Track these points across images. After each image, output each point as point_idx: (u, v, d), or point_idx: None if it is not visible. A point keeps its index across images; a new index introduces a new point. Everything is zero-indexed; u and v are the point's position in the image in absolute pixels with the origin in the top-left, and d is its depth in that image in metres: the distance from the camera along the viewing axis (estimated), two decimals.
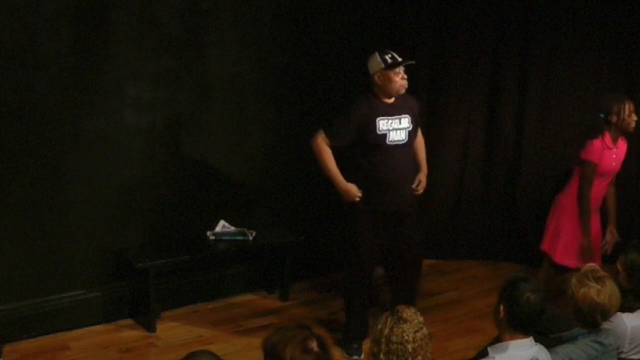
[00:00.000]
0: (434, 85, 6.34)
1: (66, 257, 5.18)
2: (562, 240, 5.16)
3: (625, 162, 6.38)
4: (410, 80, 6.15)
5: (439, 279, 6.02)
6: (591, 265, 3.53)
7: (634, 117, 4.95)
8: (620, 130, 4.98)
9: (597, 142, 4.95)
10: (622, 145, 5.10)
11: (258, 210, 5.86)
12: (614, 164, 5.06)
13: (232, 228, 5.63)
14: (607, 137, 4.96)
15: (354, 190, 4.81)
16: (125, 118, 5.21)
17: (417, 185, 5.08)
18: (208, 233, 5.57)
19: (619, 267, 3.85)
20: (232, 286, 5.80)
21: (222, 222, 5.64)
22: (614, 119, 4.92)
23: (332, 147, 4.84)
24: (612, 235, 5.29)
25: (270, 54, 5.67)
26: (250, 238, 5.58)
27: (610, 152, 5.00)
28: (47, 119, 4.94)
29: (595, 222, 5.22)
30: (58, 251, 5.14)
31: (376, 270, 5.27)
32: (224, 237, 5.57)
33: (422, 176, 5.15)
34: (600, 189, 5.12)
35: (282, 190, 5.93)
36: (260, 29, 5.59)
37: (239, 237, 5.58)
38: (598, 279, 3.41)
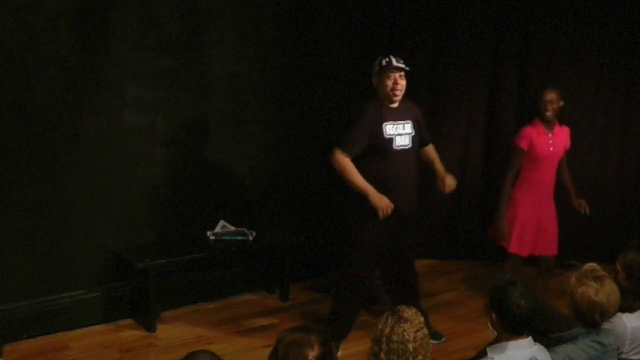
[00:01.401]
0: (434, 85, 6.34)
1: (66, 257, 5.18)
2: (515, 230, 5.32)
3: (625, 162, 6.41)
4: (410, 80, 6.21)
5: (439, 279, 6.02)
6: (591, 264, 3.53)
7: (549, 107, 5.10)
8: (540, 118, 5.19)
9: (527, 129, 5.17)
10: (562, 132, 5.26)
11: (258, 210, 5.86)
12: (551, 149, 5.21)
13: (232, 228, 5.63)
14: (539, 125, 5.15)
15: (386, 203, 4.72)
16: (125, 118, 5.22)
17: (443, 186, 5.03)
18: (208, 233, 5.57)
19: (619, 267, 3.84)
20: (232, 286, 5.81)
21: (222, 222, 5.64)
22: (537, 107, 5.18)
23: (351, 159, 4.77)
24: (580, 203, 5.42)
25: (270, 54, 5.67)
26: (250, 238, 5.59)
27: (544, 138, 5.18)
28: (47, 119, 4.95)
29: (548, 209, 5.34)
30: (58, 251, 5.14)
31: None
32: (224, 237, 5.57)
33: (447, 177, 5.05)
34: (544, 174, 5.26)
35: (282, 190, 5.94)
36: (260, 29, 5.59)
37: (239, 237, 5.58)
38: (597, 279, 3.40)
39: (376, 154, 4.78)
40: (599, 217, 6.47)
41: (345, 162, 4.74)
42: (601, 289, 3.37)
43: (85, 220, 5.20)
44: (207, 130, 5.56)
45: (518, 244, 5.26)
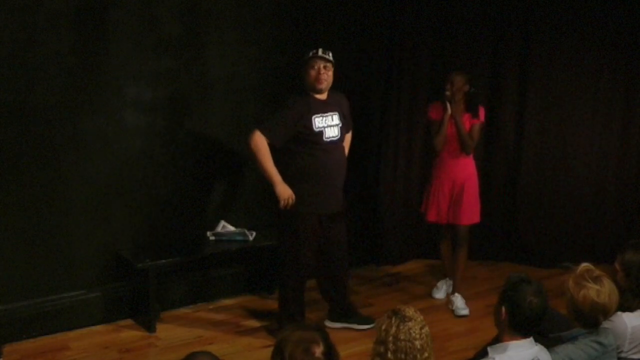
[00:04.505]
0: (434, 85, 6.33)
1: (66, 257, 5.18)
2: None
3: (625, 162, 6.40)
4: (410, 80, 6.22)
5: (439, 279, 6.01)
6: (585, 265, 3.52)
7: (449, 87, 5.41)
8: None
9: (432, 105, 5.61)
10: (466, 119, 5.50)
11: (258, 211, 5.86)
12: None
13: (232, 228, 5.64)
14: (440, 104, 5.51)
15: (289, 193, 4.84)
16: (125, 118, 5.22)
17: None
18: (208, 233, 5.57)
19: (617, 266, 3.85)
20: (232, 286, 5.80)
21: (222, 223, 5.64)
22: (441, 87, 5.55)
23: (270, 146, 4.87)
24: None
25: (270, 55, 5.67)
26: (251, 238, 5.59)
27: (441, 115, 5.49)
28: (47, 119, 4.95)
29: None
30: (58, 251, 5.14)
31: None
32: (224, 238, 5.58)
33: None
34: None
35: None
36: (260, 29, 5.59)
37: (239, 238, 5.58)
38: (595, 279, 3.39)
39: (308, 148, 4.85)
40: (599, 217, 6.47)
41: (262, 143, 4.83)
42: (601, 289, 3.36)
43: (85, 220, 5.20)
44: (207, 130, 5.56)
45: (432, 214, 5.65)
